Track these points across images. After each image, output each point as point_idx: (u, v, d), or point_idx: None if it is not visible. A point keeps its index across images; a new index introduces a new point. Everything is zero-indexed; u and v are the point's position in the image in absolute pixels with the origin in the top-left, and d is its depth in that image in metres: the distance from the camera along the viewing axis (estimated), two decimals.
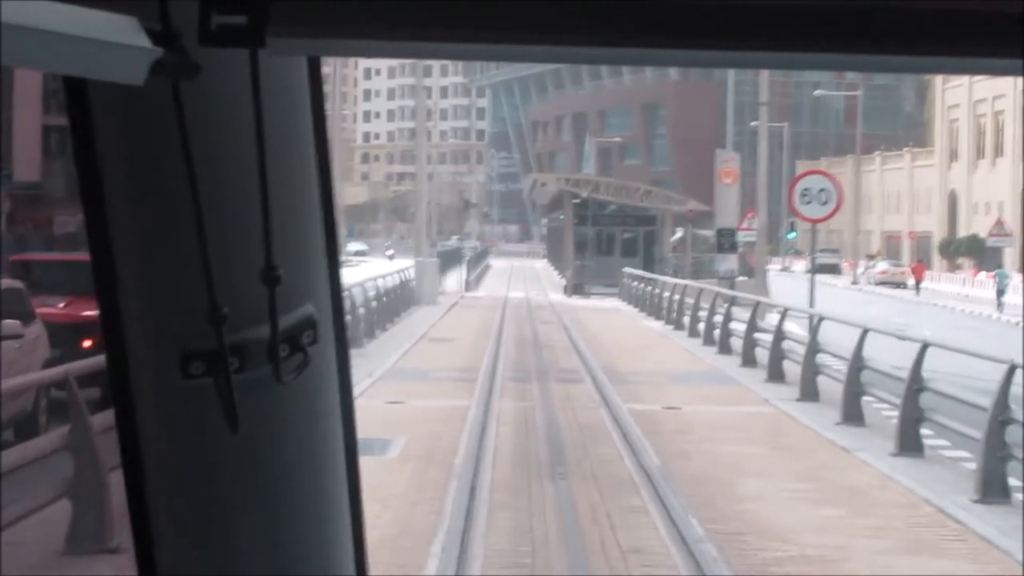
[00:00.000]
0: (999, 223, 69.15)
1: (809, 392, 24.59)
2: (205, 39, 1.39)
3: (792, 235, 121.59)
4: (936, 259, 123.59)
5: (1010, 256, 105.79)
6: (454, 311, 52.11)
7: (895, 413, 19.59)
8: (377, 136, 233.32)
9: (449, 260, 75.64)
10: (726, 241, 65.00)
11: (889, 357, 21.93)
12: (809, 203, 28.24)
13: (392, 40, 1.42)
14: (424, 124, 65.32)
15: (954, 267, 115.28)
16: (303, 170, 1.64)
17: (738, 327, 34.70)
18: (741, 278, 67.02)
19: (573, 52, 1.47)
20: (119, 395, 1.63)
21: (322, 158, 1.66)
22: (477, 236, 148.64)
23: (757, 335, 30.97)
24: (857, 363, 21.59)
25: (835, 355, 24.35)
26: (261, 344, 1.53)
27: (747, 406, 24.33)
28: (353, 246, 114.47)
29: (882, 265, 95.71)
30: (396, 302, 46.07)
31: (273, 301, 1.48)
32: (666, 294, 49.31)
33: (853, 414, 21.62)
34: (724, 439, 20.05)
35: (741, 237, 64.36)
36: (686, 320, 42.90)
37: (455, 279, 70.91)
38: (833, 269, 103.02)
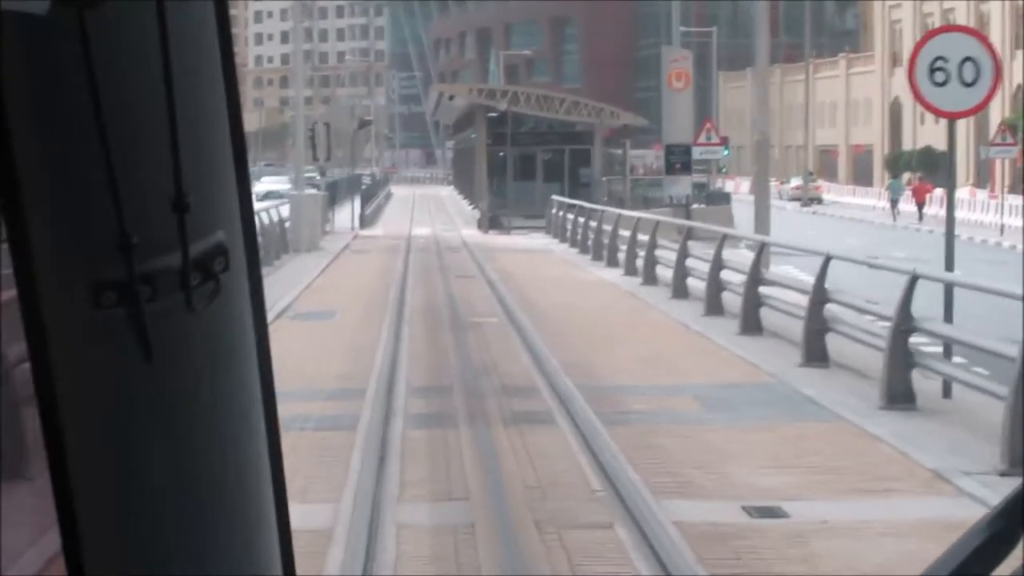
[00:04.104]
0: (1003, 131, 57.17)
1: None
2: None
3: (725, 152, 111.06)
4: (879, 174, 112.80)
5: (965, 170, 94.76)
6: (341, 260, 39.60)
7: None
8: (271, 59, 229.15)
9: (344, 190, 63.86)
10: (678, 160, 52.57)
11: None
12: (944, 84, 15.60)
13: None
14: (301, 42, 54.23)
15: None
16: (211, 95, 1.58)
17: (769, 291, 22.39)
18: (698, 206, 54.75)
19: None
20: (32, 330, 1.61)
21: (230, 83, 1.60)
22: (376, 162, 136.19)
23: (831, 308, 18.47)
24: None
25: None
26: (172, 272, 1.53)
27: (917, 495, 11.71)
28: None
29: (795, 181, 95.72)
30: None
31: (183, 228, 1.49)
32: (622, 232, 36.81)
33: None
34: None
35: (698, 154, 51.89)
36: (661, 271, 30.58)
37: (349, 213, 58.52)
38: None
